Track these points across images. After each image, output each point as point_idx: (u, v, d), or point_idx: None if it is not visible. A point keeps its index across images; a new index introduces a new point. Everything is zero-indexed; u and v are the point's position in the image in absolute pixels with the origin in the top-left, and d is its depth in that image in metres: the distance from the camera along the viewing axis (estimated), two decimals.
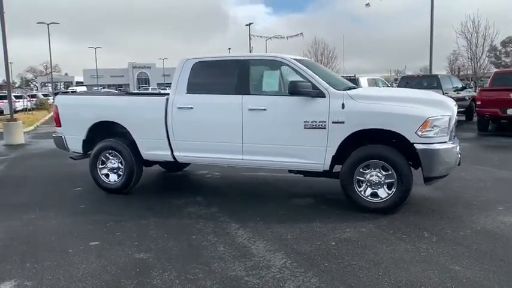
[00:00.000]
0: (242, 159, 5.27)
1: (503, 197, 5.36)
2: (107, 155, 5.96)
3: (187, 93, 5.47)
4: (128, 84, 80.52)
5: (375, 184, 4.74)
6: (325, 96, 4.83)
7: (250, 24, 42.19)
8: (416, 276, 3.22)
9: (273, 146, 5.08)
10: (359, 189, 4.80)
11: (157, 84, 73.83)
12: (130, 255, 3.78)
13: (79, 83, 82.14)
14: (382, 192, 4.74)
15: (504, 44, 53.79)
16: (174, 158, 5.66)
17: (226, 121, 5.25)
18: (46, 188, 6.47)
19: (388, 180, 4.70)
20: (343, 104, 4.74)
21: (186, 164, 7.29)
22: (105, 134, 6.13)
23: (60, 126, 6.25)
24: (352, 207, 4.87)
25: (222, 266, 3.49)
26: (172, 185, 6.72)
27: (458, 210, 4.86)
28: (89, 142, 6.13)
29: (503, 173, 6.69)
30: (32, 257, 3.79)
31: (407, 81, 15.81)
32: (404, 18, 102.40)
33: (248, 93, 5.18)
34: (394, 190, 4.67)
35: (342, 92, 4.86)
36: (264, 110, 5.05)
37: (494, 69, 37.62)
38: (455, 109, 4.85)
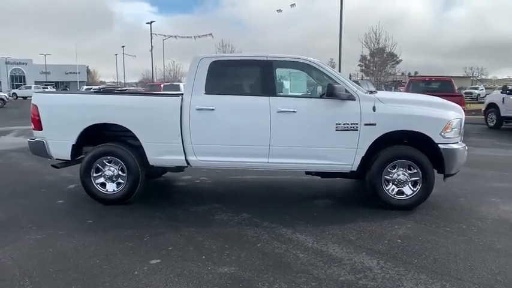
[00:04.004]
0: (267, 163, 5.13)
1: (484, 189, 6.13)
2: (104, 161, 5.27)
3: (206, 93, 5.13)
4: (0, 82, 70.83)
5: (401, 183, 5.04)
6: (355, 99, 4.99)
7: (151, 22, 40.73)
8: (499, 264, 3.56)
9: (302, 148, 5.06)
10: (386, 188, 5.06)
11: (35, 82, 66.33)
12: (212, 270, 3.44)
13: None
14: (408, 190, 5.06)
15: (372, 54, 60.24)
16: (187, 162, 5.26)
17: (253, 123, 5.07)
18: (17, 202, 5.45)
19: (413, 179, 5.04)
20: (374, 107, 4.95)
21: (167, 170, 6.78)
22: (96, 138, 5.44)
23: (41, 130, 5.32)
24: (374, 205, 5.10)
25: (322, 272, 3.39)
26: (169, 192, 6.18)
27: (463, 202, 5.42)
28: (78, 147, 5.35)
29: (465, 169, 7.61)
30: (97, 284, 3.20)
31: None
32: (281, 26, 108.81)
33: (275, 95, 5.08)
34: (419, 187, 5.02)
35: (372, 95, 5.07)
36: (294, 112, 5.00)
37: (365, 78, 42.09)
38: (463, 112, 5.41)
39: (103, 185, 5.30)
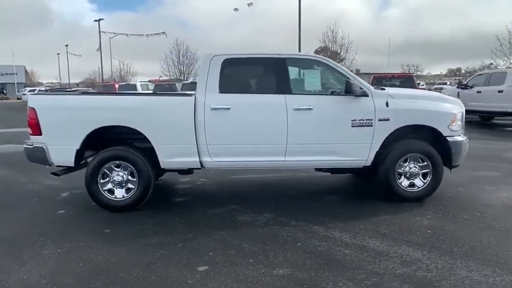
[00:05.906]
0: (284, 161, 5.10)
1: (475, 178, 6.49)
2: (112, 166, 4.97)
3: (220, 92, 4.99)
4: None
5: (413, 175, 5.21)
6: (368, 96, 5.08)
7: (100, 20, 38.93)
8: None
9: (319, 146, 5.07)
10: (399, 181, 5.21)
11: None
12: (267, 273, 3.35)
13: None
14: (418, 182, 5.24)
15: (317, 52, 61.84)
16: (201, 164, 5.09)
17: (270, 122, 5.01)
18: (13, 215, 5.00)
19: (423, 171, 5.22)
20: (387, 103, 5.07)
21: (164, 173, 6.53)
22: (98, 143, 5.14)
23: (40, 135, 4.91)
24: (384, 198, 5.25)
25: (377, 267, 3.42)
26: (175, 195, 5.87)
27: (464, 192, 5.71)
28: (80, 153, 5.01)
29: None
30: None
31: None
32: (228, 25, 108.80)
33: (290, 93, 5.06)
34: (429, 179, 5.22)
35: (384, 91, 5.20)
36: (310, 109, 5.01)
37: None
38: (463, 106, 5.69)
39: (110, 191, 5.00)
